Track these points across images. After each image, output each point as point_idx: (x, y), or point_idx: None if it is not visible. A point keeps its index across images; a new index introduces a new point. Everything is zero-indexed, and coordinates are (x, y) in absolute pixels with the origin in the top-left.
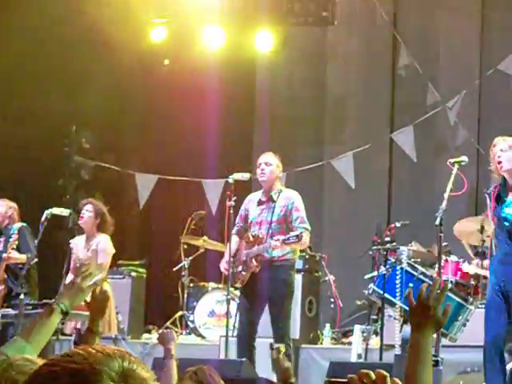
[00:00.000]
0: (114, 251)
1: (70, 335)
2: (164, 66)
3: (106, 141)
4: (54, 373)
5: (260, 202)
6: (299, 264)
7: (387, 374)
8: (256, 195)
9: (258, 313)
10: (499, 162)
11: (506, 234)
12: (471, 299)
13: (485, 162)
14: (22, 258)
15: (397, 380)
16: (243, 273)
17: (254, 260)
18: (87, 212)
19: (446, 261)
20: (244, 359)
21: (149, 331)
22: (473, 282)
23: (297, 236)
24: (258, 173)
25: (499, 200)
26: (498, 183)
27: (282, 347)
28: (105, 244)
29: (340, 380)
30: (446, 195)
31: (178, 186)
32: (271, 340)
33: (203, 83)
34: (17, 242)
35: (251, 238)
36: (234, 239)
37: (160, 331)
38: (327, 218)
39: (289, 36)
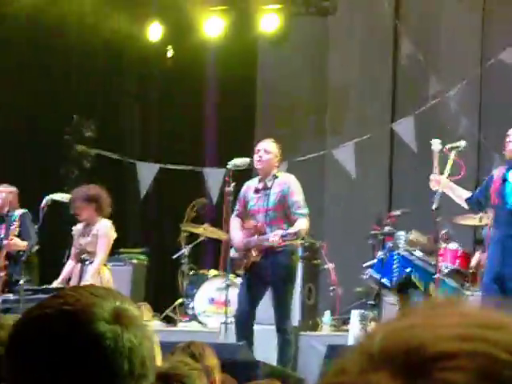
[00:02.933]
0: (115, 236)
1: None
2: (168, 58)
3: (107, 130)
4: (46, 314)
5: (256, 190)
6: (299, 252)
7: None
8: (253, 182)
9: (257, 298)
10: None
11: (506, 215)
12: (467, 285)
13: (486, 150)
14: (23, 244)
15: None
16: (244, 260)
17: (253, 251)
18: None
19: (445, 248)
20: (241, 343)
21: None
22: (471, 270)
23: (295, 233)
24: (255, 158)
25: (503, 181)
26: (505, 166)
27: None
28: (105, 229)
29: None
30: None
31: (179, 175)
32: (272, 327)
33: (204, 71)
34: (18, 229)
35: (252, 226)
36: (235, 224)
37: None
38: (328, 207)
39: (290, 25)
